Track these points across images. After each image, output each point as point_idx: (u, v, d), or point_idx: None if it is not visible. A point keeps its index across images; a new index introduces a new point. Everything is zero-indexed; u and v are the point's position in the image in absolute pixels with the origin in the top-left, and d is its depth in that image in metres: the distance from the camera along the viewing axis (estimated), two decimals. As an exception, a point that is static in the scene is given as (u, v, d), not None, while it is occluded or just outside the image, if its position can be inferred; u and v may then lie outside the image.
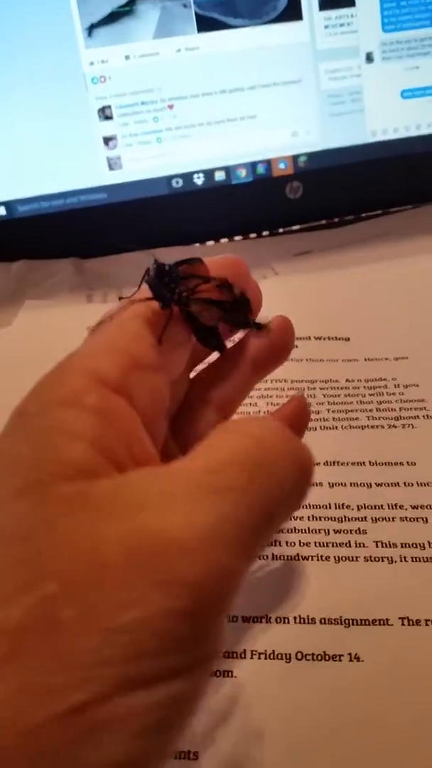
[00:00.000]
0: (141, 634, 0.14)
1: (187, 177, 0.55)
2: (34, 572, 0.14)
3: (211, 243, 0.58)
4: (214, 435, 0.18)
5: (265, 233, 0.58)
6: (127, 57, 0.53)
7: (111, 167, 0.54)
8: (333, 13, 0.55)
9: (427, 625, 0.26)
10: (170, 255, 0.23)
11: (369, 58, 0.56)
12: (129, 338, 0.20)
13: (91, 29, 0.52)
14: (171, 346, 0.21)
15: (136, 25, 0.53)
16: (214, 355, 0.26)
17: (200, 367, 0.26)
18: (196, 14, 0.53)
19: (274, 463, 0.17)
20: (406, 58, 0.56)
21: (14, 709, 0.13)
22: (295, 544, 0.29)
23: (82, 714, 0.13)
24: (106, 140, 0.53)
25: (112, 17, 0.52)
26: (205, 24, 0.53)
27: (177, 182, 0.55)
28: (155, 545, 0.14)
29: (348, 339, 0.44)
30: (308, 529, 0.30)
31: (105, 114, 0.53)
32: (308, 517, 0.31)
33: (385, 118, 0.57)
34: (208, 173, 0.55)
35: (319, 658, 0.26)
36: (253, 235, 0.58)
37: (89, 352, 0.19)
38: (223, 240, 0.58)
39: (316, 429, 0.36)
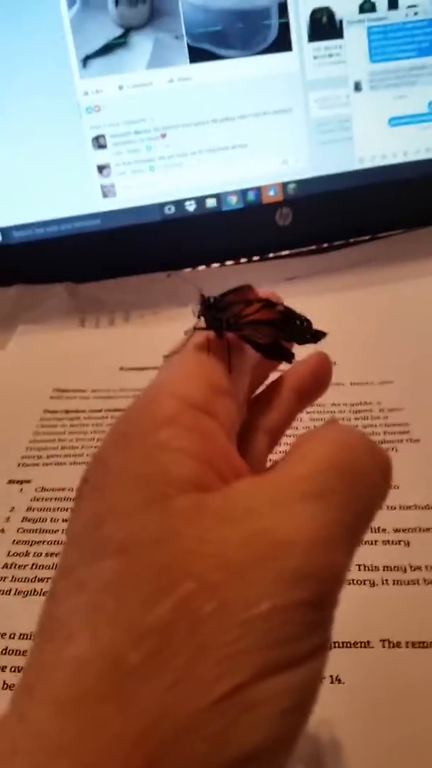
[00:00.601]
0: (274, 623, 0.15)
1: (179, 204, 0.56)
2: (172, 574, 0.15)
3: (202, 268, 0.59)
4: (304, 445, 0.19)
5: (255, 258, 0.59)
6: (120, 87, 0.54)
7: (105, 195, 0.55)
8: (322, 44, 0.56)
9: (407, 647, 0.27)
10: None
11: (357, 87, 0.57)
12: (203, 366, 0.22)
13: (86, 60, 0.53)
14: (236, 372, 0.23)
15: (129, 56, 0.54)
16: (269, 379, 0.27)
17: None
18: (189, 45, 0.54)
19: (363, 466, 0.19)
20: (393, 87, 0.58)
21: (173, 701, 0.14)
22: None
23: (232, 699, 0.14)
24: (100, 168, 0.54)
25: (107, 49, 0.54)
26: (197, 55, 0.55)
27: (169, 209, 0.56)
28: (274, 545, 0.16)
29: (335, 363, 0.44)
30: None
31: (99, 143, 0.54)
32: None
33: (373, 146, 0.58)
34: (200, 200, 0.56)
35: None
36: (243, 261, 0.59)
37: (172, 380, 0.21)
38: (215, 265, 0.59)
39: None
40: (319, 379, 0.27)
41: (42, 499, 0.36)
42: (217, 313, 0.23)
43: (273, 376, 0.27)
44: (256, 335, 0.24)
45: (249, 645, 0.15)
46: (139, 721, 0.14)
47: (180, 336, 0.24)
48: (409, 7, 0.56)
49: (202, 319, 0.23)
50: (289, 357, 0.26)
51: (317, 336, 0.25)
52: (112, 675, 0.14)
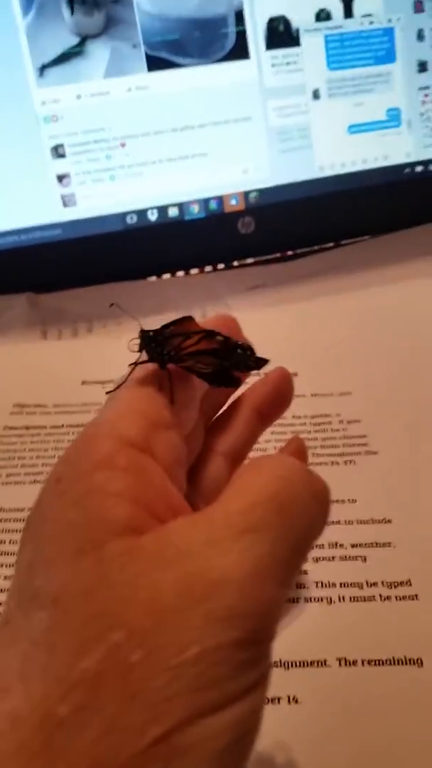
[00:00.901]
0: (203, 666, 0.15)
1: (141, 213, 0.56)
2: (101, 623, 0.15)
3: (167, 276, 0.59)
4: (241, 477, 0.19)
5: (219, 267, 0.60)
6: (78, 96, 0.54)
7: (65, 204, 0.54)
8: (279, 52, 0.56)
9: (363, 665, 0.27)
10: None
11: (316, 95, 0.58)
12: (144, 401, 0.22)
13: (42, 69, 0.53)
14: (181, 404, 0.23)
15: (86, 65, 0.54)
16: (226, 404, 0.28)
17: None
18: (146, 54, 0.54)
19: (299, 499, 0.19)
20: (351, 95, 0.58)
21: (103, 751, 0.14)
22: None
23: (163, 745, 0.14)
24: (60, 178, 0.54)
25: (63, 57, 0.53)
26: (155, 64, 0.54)
27: (131, 218, 0.55)
28: (207, 586, 0.16)
29: (296, 374, 0.44)
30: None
31: (58, 152, 0.54)
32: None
33: (332, 153, 0.58)
34: (162, 209, 0.56)
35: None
36: (208, 269, 0.59)
37: (111, 418, 0.21)
38: (179, 274, 0.59)
39: (263, 467, 0.37)
40: (280, 396, 0.28)
41: (1, 520, 0.36)
42: (158, 346, 0.23)
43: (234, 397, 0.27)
44: (198, 366, 0.24)
45: (178, 690, 0.15)
46: None
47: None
48: (364, 16, 0.57)
49: (144, 353, 0.23)
50: (235, 383, 0.26)
51: (259, 363, 0.26)
52: (43, 729, 0.14)
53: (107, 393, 0.23)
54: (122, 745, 0.14)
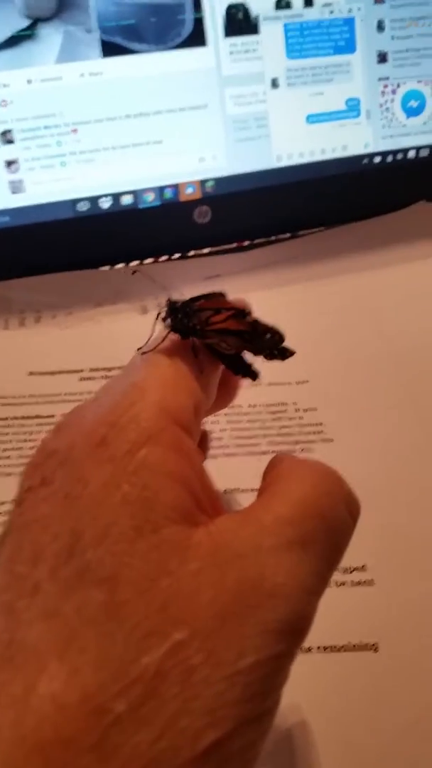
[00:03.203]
0: (256, 677, 0.15)
1: (93, 201, 0.54)
2: (165, 618, 0.15)
3: (120, 266, 0.57)
4: (286, 480, 0.19)
5: (175, 256, 0.58)
6: (29, 81, 0.52)
7: (13, 191, 0.53)
8: (238, 40, 0.55)
9: (318, 651, 0.26)
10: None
11: (274, 83, 0.57)
12: (188, 378, 0.21)
13: (-9, 52, 0.51)
14: (209, 386, 0.22)
15: (38, 49, 0.52)
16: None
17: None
18: (101, 39, 0.53)
19: (340, 515, 0.19)
20: (310, 84, 0.57)
21: (159, 754, 0.14)
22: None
23: (214, 753, 0.14)
24: (8, 163, 0.52)
25: (13, 41, 0.51)
26: (110, 49, 0.53)
27: (83, 206, 0.54)
28: (262, 595, 0.16)
29: (252, 364, 0.44)
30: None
31: (6, 138, 0.52)
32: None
33: (290, 143, 0.57)
34: (115, 197, 0.54)
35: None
36: (163, 259, 0.58)
37: (158, 387, 0.20)
38: (134, 263, 0.57)
39: (217, 457, 0.36)
40: (229, 391, 0.27)
41: None
42: (184, 317, 0.22)
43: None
44: (222, 344, 0.23)
45: (233, 697, 0.14)
46: None
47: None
48: (325, 5, 0.56)
49: (168, 322, 0.22)
50: (252, 375, 0.25)
51: (285, 353, 0.24)
52: (95, 724, 0.13)
53: (140, 351, 0.22)
54: (179, 749, 0.14)
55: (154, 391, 0.19)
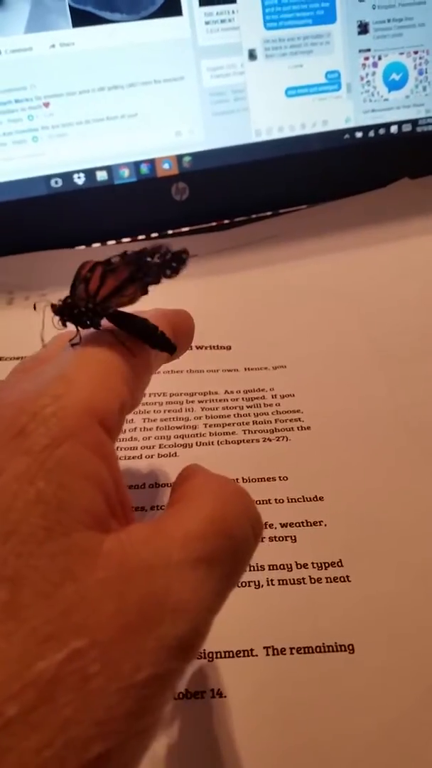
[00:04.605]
0: (150, 691, 0.15)
1: (67, 177, 0.52)
2: (65, 625, 0.15)
3: (97, 245, 0.55)
4: (196, 494, 0.19)
5: (153, 235, 0.57)
6: (-3, 51, 0.50)
7: (-16, 167, 0.51)
8: (214, 9, 0.53)
9: (292, 654, 0.26)
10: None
11: (252, 55, 0.55)
12: (117, 375, 0.20)
13: (-43, 21, 0.49)
14: (140, 386, 0.22)
15: (5, 17, 0.50)
16: None
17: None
18: (71, 7, 0.50)
19: (245, 534, 0.18)
20: (289, 56, 0.56)
21: (46, 761, 0.13)
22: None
23: (107, 762, 0.14)
24: (-22, 139, 0.50)
25: (-20, 9, 0.49)
26: (81, 18, 0.51)
27: (56, 182, 0.52)
28: (164, 610, 0.16)
29: (230, 348, 0.43)
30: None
31: (-24, 112, 0.50)
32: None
33: (269, 117, 0.56)
34: (89, 173, 0.53)
35: (181, 696, 0.24)
36: (141, 238, 0.56)
37: (85, 382, 0.19)
38: (110, 242, 0.56)
39: (192, 446, 0.35)
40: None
41: None
42: (72, 309, 0.22)
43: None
44: (123, 300, 0.22)
45: (125, 710, 0.14)
46: None
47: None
48: (304, -28, 0.54)
49: (68, 323, 0.22)
50: (170, 347, 0.24)
51: (180, 257, 0.21)
52: None
53: (72, 343, 0.21)
54: (67, 758, 0.13)
55: (81, 386, 0.19)
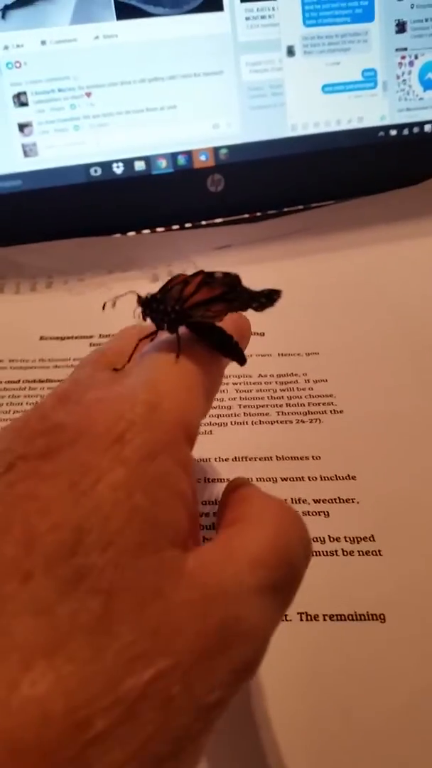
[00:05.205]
0: (218, 712, 0.15)
1: (106, 166, 0.54)
2: (154, 644, 0.15)
3: (132, 234, 0.57)
4: (255, 519, 0.19)
5: (187, 225, 0.58)
6: (43, 42, 0.51)
7: (26, 154, 0.52)
8: (254, 5, 0.54)
9: (324, 620, 0.26)
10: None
11: (290, 51, 0.56)
12: (199, 388, 0.20)
13: (5, 10, 0.50)
14: (214, 395, 0.22)
15: (52, 9, 0.51)
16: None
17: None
18: (116, 1, 0.52)
19: (302, 560, 0.19)
20: (327, 53, 0.57)
21: None
22: (200, 542, 0.29)
23: None
24: (21, 127, 0.52)
25: (28, 0, 0.51)
26: (124, 11, 0.52)
27: (95, 171, 0.53)
28: (236, 635, 0.16)
29: (263, 334, 0.44)
30: (212, 525, 0.30)
31: (20, 100, 0.52)
32: (213, 513, 0.30)
33: (305, 113, 0.57)
34: (128, 163, 0.54)
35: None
36: (175, 227, 0.58)
37: (175, 393, 0.19)
38: (145, 231, 0.57)
39: (227, 425, 0.36)
40: None
41: None
42: (159, 304, 0.22)
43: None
44: (208, 314, 0.22)
45: (197, 730, 0.15)
46: None
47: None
48: (343, -30, 0.55)
49: (149, 320, 0.22)
50: (242, 357, 0.24)
51: (273, 295, 0.22)
52: (77, 737, 0.13)
53: (141, 340, 0.22)
54: None
55: (172, 398, 0.19)
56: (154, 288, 0.22)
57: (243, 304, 0.22)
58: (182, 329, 0.22)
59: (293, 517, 0.19)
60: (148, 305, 0.22)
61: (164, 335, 0.22)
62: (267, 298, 0.22)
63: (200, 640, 0.15)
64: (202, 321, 0.22)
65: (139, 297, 0.22)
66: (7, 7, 0.50)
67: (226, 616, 0.16)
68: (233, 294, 0.22)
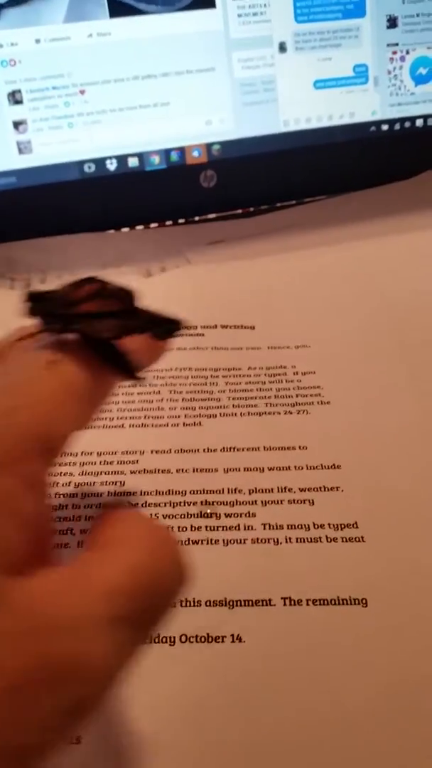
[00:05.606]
0: (41, 756, 0.14)
1: (100, 162, 0.54)
2: None
3: (125, 230, 0.57)
4: (120, 542, 0.17)
5: (180, 221, 0.58)
6: (37, 40, 0.52)
7: (21, 151, 0.53)
8: (246, 2, 0.55)
9: (307, 604, 0.27)
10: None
11: (282, 47, 0.56)
12: (73, 398, 0.18)
13: (-1, 10, 0.51)
14: (95, 408, 0.19)
15: (46, 7, 0.52)
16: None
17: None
18: (108, -1, 0.52)
19: (172, 588, 0.17)
20: (318, 49, 0.57)
21: None
22: (186, 528, 0.30)
23: None
24: (16, 124, 0.52)
25: (21, -2, 0.51)
26: (118, 9, 0.53)
27: (89, 167, 0.54)
28: (74, 672, 0.14)
29: (253, 327, 0.44)
30: (200, 513, 0.30)
31: (15, 98, 0.52)
32: (201, 502, 0.31)
33: (297, 108, 0.57)
34: (121, 159, 0.55)
35: (202, 639, 0.26)
36: (168, 223, 0.58)
37: (38, 403, 0.17)
38: (138, 227, 0.58)
39: (216, 416, 0.36)
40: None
41: None
42: (49, 304, 0.20)
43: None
44: (99, 329, 0.19)
45: None
46: None
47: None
48: (334, -33, 0.56)
49: (36, 318, 0.20)
50: (129, 369, 0.20)
51: (172, 326, 0.20)
52: None
53: (14, 341, 0.20)
54: None
55: (32, 406, 0.17)
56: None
57: (141, 328, 0.20)
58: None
59: (164, 538, 0.18)
60: (38, 302, 0.20)
61: (47, 337, 0.20)
62: (166, 330, 0.20)
63: (17, 678, 0.13)
64: (87, 334, 0.19)
65: (27, 293, 0.20)
66: (1, 6, 0.51)
67: (59, 652, 0.14)
68: (127, 314, 0.20)
